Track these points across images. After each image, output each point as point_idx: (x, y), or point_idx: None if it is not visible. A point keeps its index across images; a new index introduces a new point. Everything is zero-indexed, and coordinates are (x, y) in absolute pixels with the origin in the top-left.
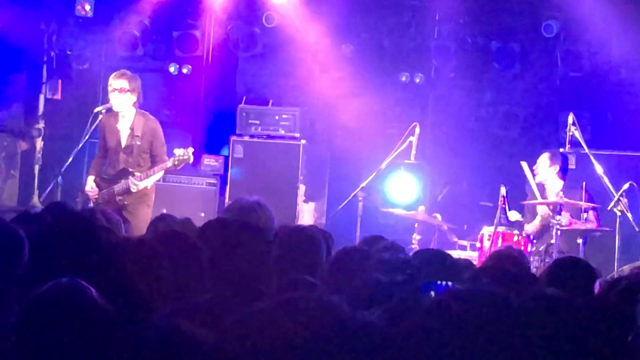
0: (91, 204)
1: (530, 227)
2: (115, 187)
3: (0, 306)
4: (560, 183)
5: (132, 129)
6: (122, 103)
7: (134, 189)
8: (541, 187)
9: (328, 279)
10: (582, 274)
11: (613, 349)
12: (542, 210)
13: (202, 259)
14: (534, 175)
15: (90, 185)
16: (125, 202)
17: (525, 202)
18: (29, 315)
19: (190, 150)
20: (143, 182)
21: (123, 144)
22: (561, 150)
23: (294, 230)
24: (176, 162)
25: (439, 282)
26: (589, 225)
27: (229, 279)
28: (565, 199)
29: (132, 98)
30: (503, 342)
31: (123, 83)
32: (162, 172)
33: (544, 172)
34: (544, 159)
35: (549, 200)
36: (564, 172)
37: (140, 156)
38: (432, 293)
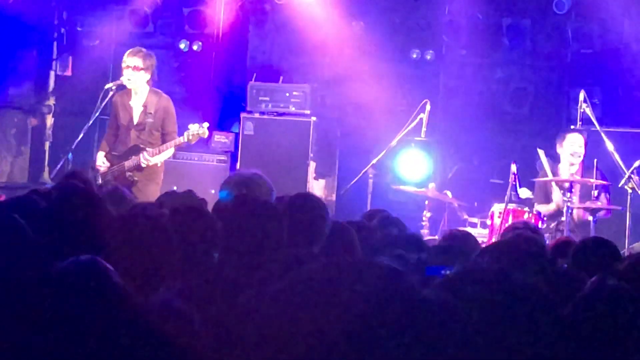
0: (100, 180)
1: (543, 209)
2: (126, 164)
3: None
4: (578, 166)
5: (145, 106)
6: (136, 80)
7: (144, 164)
8: (555, 166)
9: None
10: (607, 255)
11: (622, 327)
12: (558, 198)
13: (213, 233)
14: (575, 155)
15: (102, 160)
16: (135, 179)
17: (536, 179)
18: (46, 292)
19: (206, 125)
20: (154, 158)
21: (135, 121)
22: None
23: (295, 198)
24: (190, 137)
25: (442, 270)
26: (599, 204)
27: (241, 253)
28: (577, 177)
29: (146, 76)
30: (504, 320)
31: (137, 61)
32: (173, 149)
33: (583, 152)
34: (582, 140)
35: (563, 177)
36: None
37: (152, 134)
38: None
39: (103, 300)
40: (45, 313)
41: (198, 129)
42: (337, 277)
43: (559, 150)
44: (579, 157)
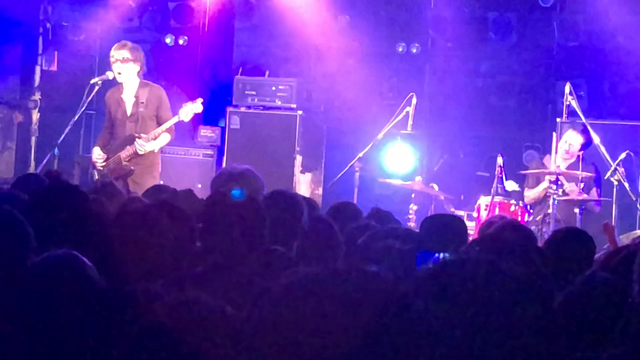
0: (96, 174)
1: (532, 194)
2: (122, 153)
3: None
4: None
5: (136, 97)
6: (126, 73)
7: (140, 151)
8: (543, 158)
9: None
10: (582, 246)
11: (609, 318)
12: (546, 184)
13: (194, 229)
14: (567, 152)
15: (98, 153)
16: (132, 168)
17: (524, 172)
18: (25, 286)
19: (199, 100)
20: (150, 144)
21: (129, 113)
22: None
23: (274, 194)
24: (184, 114)
25: (436, 254)
26: (585, 195)
27: (223, 249)
28: (563, 169)
29: (136, 67)
30: (495, 309)
31: (125, 53)
32: (169, 136)
33: (576, 150)
34: (577, 138)
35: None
36: (583, 149)
37: (146, 123)
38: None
39: (78, 293)
40: (21, 306)
41: (192, 105)
42: (325, 286)
43: (559, 142)
44: (572, 157)
